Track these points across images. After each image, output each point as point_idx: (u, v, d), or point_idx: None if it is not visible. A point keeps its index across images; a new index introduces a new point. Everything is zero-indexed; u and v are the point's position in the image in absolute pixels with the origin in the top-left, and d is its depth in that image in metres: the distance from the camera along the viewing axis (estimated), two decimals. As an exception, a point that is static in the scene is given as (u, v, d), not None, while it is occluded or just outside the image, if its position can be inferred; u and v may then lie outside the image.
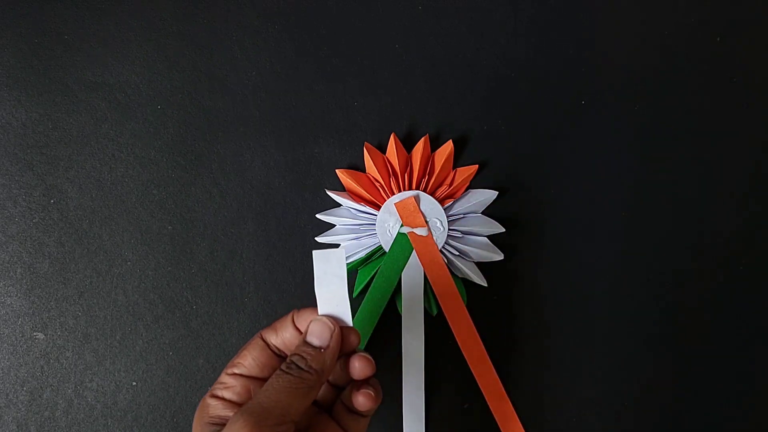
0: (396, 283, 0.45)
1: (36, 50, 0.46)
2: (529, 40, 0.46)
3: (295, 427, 0.32)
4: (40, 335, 0.46)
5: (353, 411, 0.35)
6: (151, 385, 0.45)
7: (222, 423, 0.34)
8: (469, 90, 0.47)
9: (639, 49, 0.47)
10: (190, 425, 0.45)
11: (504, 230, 0.45)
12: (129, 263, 0.46)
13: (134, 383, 0.45)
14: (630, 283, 0.46)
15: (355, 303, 0.44)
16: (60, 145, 0.46)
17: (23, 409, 0.45)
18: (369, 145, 0.45)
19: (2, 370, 0.46)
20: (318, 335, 0.34)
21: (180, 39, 0.46)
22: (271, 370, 0.35)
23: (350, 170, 0.45)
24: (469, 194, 0.45)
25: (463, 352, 0.44)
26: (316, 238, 0.45)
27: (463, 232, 0.45)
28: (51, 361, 0.46)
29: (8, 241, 0.46)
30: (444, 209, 0.45)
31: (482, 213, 0.46)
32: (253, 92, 0.46)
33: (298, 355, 0.33)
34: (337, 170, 0.45)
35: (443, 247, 0.45)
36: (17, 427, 0.45)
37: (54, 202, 0.46)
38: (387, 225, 0.45)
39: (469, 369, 0.45)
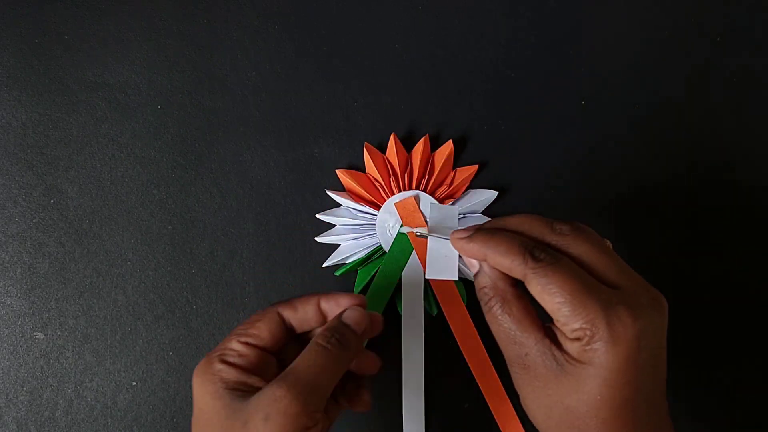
0: (396, 283, 0.45)
1: (36, 50, 0.46)
2: (529, 40, 0.46)
3: None
4: (40, 335, 0.46)
5: (347, 399, 0.38)
6: (151, 385, 0.45)
7: (243, 390, 0.33)
8: (469, 90, 0.47)
9: (639, 49, 0.47)
10: (190, 425, 0.45)
11: None
12: (129, 263, 0.46)
13: (134, 383, 0.45)
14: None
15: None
16: (60, 145, 0.46)
17: (23, 408, 0.45)
18: (369, 145, 0.45)
19: (2, 370, 0.46)
20: (356, 322, 0.35)
21: (180, 39, 0.46)
22: (281, 345, 0.36)
23: (350, 170, 0.45)
24: (469, 194, 0.45)
25: (463, 352, 0.45)
26: (316, 238, 0.45)
27: None
28: (51, 361, 0.46)
29: (8, 241, 0.46)
30: None
31: (482, 213, 0.46)
32: (253, 92, 0.46)
33: (340, 333, 0.34)
34: (337, 170, 0.45)
35: None
36: (17, 426, 0.45)
37: (54, 202, 0.46)
38: (387, 225, 0.45)
39: (469, 369, 0.45)
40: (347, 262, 0.45)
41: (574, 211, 0.46)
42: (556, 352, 0.30)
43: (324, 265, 0.45)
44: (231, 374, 0.33)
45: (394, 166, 0.45)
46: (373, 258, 0.45)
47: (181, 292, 0.45)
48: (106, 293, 0.46)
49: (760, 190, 0.47)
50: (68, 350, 0.46)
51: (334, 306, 0.36)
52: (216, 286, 0.46)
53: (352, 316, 0.35)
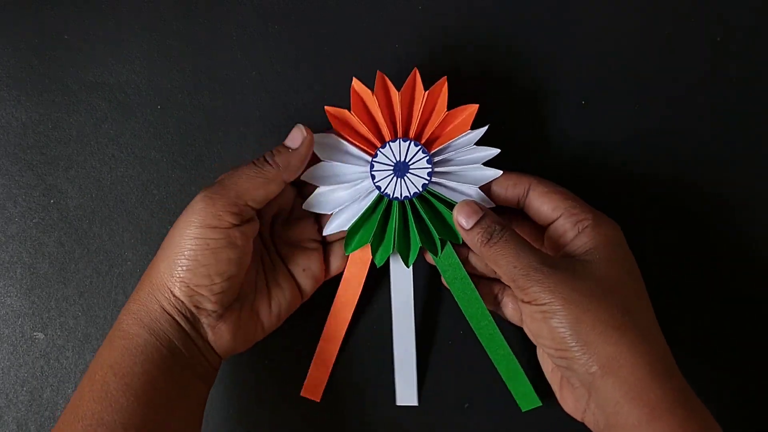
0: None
1: (36, 50, 0.46)
2: (529, 40, 0.46)
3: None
4: (40, 335, 0.46)
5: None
6: (151, 385, 0.45)
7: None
8: (468, 90, 0.47)
9: (639, 49, 0.47)
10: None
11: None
12: (129, 263, 0.46)
13: (134, 383, 0.45)
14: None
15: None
16: (60, 145, 0.46)
17: (23, 409, 0.45)
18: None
19: (2, 370, 0.46)
20: (292, 138, 0.40)
21: (180, 39, 0.46)
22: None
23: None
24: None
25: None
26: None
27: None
28: (51, 361, 0.46)
29: (8, 241, 0.46)
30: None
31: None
32: (253, 92, 0.46)
33: (271, 151, 0.39)
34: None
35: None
36: (17, 426, 0.45)
37: (54, 202, 0.46)
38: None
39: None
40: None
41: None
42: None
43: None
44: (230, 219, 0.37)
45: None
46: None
47: (181, 292, 0.45)
48: (106, 293, 0.46)
49: (761, 190, 0.47)
50: (68, 350, 0.46)
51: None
52: (216, 286, 0.46)
53: (290, 134, 0.40)
